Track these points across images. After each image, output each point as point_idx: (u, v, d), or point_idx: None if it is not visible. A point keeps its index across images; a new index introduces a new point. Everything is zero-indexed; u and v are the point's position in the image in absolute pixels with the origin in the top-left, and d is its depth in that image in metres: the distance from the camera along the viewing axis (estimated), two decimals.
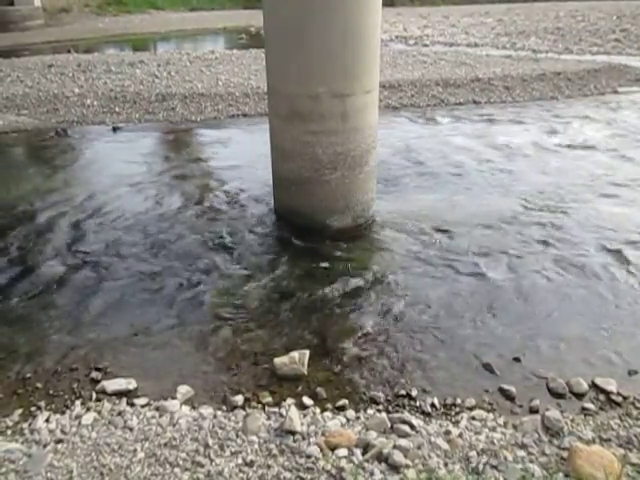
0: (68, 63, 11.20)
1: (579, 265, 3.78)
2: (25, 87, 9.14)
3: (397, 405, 2.55)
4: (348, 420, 2.43)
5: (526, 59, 11.66)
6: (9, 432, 2.36)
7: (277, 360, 2.77)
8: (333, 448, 2.22)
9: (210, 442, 2.28)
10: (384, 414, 2.45)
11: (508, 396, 2.61)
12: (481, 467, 2.12)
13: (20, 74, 10.07)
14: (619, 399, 2.55)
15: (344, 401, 2.55)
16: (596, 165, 5.81)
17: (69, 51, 13.36)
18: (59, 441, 2.29)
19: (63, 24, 20.12)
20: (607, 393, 2.60)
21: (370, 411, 2.49)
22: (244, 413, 2.47)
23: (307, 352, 2.84)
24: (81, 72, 10.29)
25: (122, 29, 19.14)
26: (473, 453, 2.20)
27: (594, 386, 2.65)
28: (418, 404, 2.55)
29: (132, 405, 2.53)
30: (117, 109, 8.14)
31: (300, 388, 2.67)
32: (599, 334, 3.06)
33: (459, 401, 2.56)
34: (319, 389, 2.64)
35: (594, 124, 7.36)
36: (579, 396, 2.59)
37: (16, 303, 3.43)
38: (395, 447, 2.20)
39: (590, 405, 2.52)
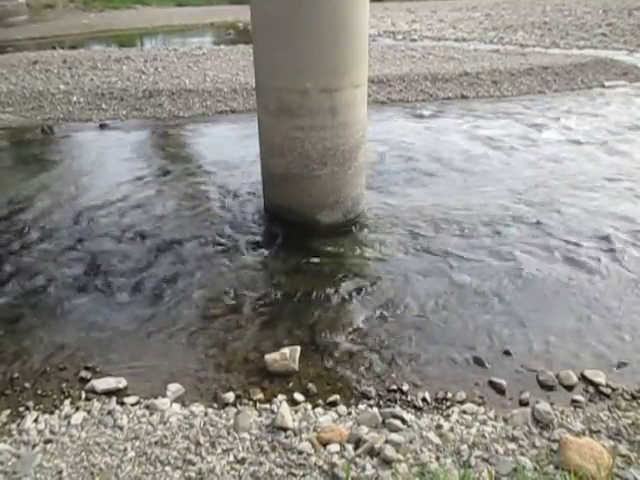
0: (53, 59, 11.07)
1: (569, 258, 3.80)
2: (9, 84, 9.02)
3: (388, 400, 2.55)
4: (340, 416, 2.42)
5: (514, 53, 11.70)
6: None
7: (268, 356, 2.76)
8: (325, 444, 2.22)
9: (201, 440, 2.27)
10: (375, 409, 2.45)
11: (498, 389, 2.62)
12: (472, 460, 2.13)
13: (4, 71, 9.94)
14: (608, 391, 2.57)
15: (335, 397, 2.55)
16: (584, 158, 5.83)
17: (54, 47, 13.21)
18: (48, 441, 2.27)
19: (48, 20, 19.90)
20: (596, 385, 2.61)
21: (361, 406, 2.49)
22: (235, 410, 2.46)
23: (298, 348, 2.83)
24: (67, 69, 10.17)
25: (108, 25, 18.94)
26: (464, 447, 2.21)
27: (583, 378, 2.66)
28: (409, 399, 2.55)
29: (122, 404, 2.51)
30: (104, 106, 8.06)
31: (291, 384, 2.67)
32: (588, 326, 3.08)
33: (450, 395, 2.56)
34: (310, 385, 2.64)
35: (582, 118, 7.39)
36: (569, 388, 2.61)
37: (2, 302, 3.39)
38: (387, 442, 2.20)
39: (580, 397, 2.54)
